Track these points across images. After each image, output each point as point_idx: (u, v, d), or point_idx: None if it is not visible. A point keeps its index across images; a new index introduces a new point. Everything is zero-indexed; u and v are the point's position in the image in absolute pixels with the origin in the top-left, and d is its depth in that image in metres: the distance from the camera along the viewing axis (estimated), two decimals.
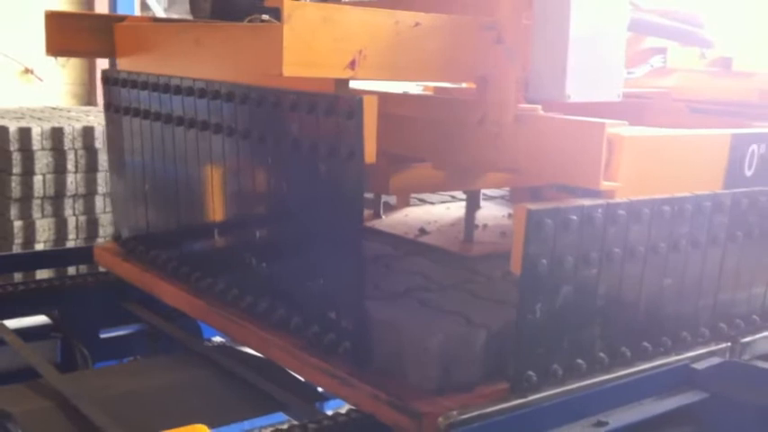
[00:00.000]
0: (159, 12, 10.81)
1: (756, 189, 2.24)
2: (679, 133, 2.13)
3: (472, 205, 2.66)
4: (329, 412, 2.07)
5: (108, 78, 2.87)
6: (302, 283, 2.15)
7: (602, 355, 2.01)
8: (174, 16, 11.80)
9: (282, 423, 2.14)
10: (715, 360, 2.17)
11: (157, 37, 2.65)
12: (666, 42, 2.46)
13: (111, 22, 2.83)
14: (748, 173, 2.22)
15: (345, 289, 2.03)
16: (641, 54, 2.39)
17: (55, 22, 2.77)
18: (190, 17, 3.06)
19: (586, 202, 1.87)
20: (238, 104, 2.23)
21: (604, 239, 1.91)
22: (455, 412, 1.78)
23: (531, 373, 1.87)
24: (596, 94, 1.96)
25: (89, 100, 8.87)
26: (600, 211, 1.88)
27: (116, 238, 3.06)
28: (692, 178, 2.09)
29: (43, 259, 3.42)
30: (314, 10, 1.76)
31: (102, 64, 8.62)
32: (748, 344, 2.33)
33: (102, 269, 3.22)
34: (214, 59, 2.29)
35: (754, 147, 2.21)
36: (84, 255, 3.28)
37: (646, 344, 2.11)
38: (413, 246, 2.64)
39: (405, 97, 2.53)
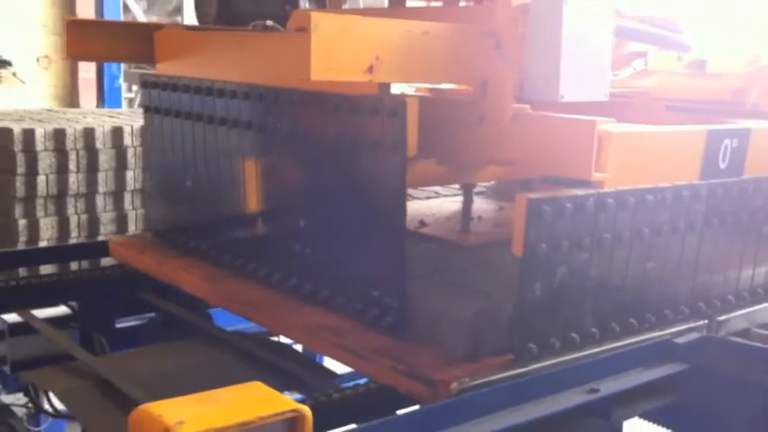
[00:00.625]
0: (139, 14, 10.90)
1: (730, 180, 2.42)
2: (660, 129, 2.33)
3: (468, 199, 2.85)
4: None
5: (147, 82, 3.03)
6: (347, 266, 2.33)
7: (593, 329, 2.20)
8: (154, 18, 11.89)
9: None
10: (694, 335, 2.32)
11: (201, 44, 2.81)
12: (647, 47, 2.66)
13: (133, 29, 3.00)
14: (722, 165, 2.40)
15: (389, 269, 2.22)
16: (624, 57, 2.56)
17: (75, 28, 2.92)
18: (168, 20, 3.21)
19: (579, 191, 2.05)
20: (284, 106, 2.41)
21: (595, 225, 2.09)
22: (466, 379, 1.97)
23: (531, 345, 2.06)
24: (586, 94, 2.14)
25: (71, 102, 8.94)
26: (591, 199, 2.07)
27: (151, 230, 3.20)
28: (673, 170, 2.27)
29: (61, 254, 3.57)
30: (336, 21, 1.95)
31: (84, 67, 8.73)
32: (723, 322, 2.50)
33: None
34: (256, 65, 2.45)
35: (728, 141, 2.40)
36: (100, 249, 3.44)
37: (632, 320, 2.29)
38: (415, 236, 2.83)
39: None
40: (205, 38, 2.80)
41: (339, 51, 1.96)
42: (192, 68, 2.81)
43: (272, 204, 2.63)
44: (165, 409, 1.64)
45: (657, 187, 2.22)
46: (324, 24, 1.92)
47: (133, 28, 3.07)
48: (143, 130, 3.22)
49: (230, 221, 2.81)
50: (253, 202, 2.66)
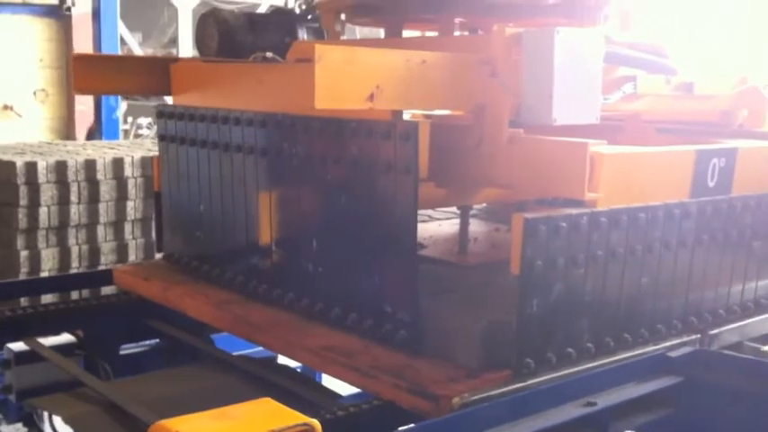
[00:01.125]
0: (135, 46, 11.03)
1: (718, 198, 2.50)
2: (650, 150, 2.42)
3: (465, 221, 2.92)
4: None
5: (164, 113, 3.12)
6: (359, 284, 2.42)
7: (589, 344, 2.26)
8: (150, 51, 12.02)
9: None
10: (687, 349, 2.38)
11: (215, 75, 2.91)
12: (636, 71, 2.74)
13: (137, 62, 3.09)
14: (711, 183, 2.48)
15: (402, 285, 2.31)
16: (615, 82, 2.64)
17: (82, 63, 3.01)
18: (164, 51, 3.29)
19: (573, 210, 2.13)
20: (300, 132, 2.51)
21: (589, 243, 2.17)
22: (467, 394, 2.03)
23: (529, 360, 2.13)
24: (578, 118, 2.22)
25: (68, 134, 8.99)
26: (585, 218, 2.15)
27: (167, 257, 3.28)
28: (663, 189, 2.35)
29: (65, 283, 3.62)
30: (339, 52, 2.04)
31: (81, 100, 8.81)
32: (716, 335, 2.57)
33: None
34: (267, 94, 2.56)
35: (716, 160, 2.48)
36: (103, 277, 3.49)
37: (626, 335, 2.35)
38: None
39: None
40: (220, 70, 2.89)
41: (342, 81, 2.05)
42: (207, 99, 2.91)
43: (286, 227, 2.70)
44: (181, 424, 1.71)
45: (649, 206, 2.30)
46: (327, 55, 2.01)
47: (140, 61, 3.16)
48: (158, 158, 3.28)
49: (243, 245, 2.88)
50: (267, 226, 2.74)
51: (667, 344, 2.44)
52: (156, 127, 3.92)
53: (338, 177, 2.43)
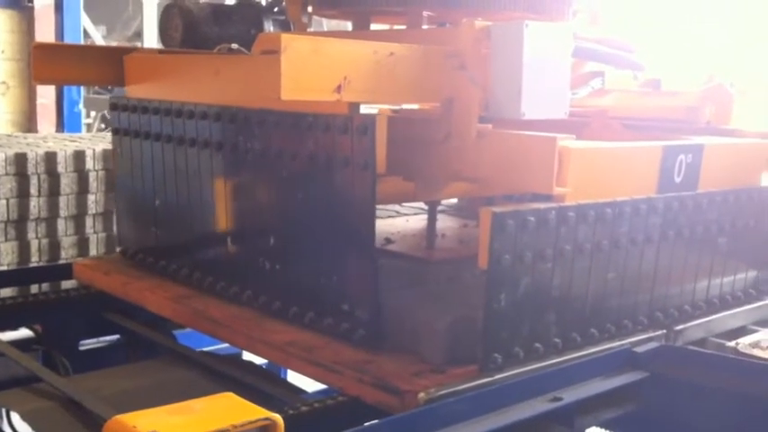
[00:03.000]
0: (99, 39, 10.87)
1: (685, 194, 2.51)
2: (618, 146, 2.42)
3: (433, 216, 2.91)
4: None
5: (117, 105, 3.05)
6: (317, 281, 2.38)
7: (556, 339, 2.26)
8: (114, 44, 11.87)
9: None
10: (653, 345, 2.39)
11: (172, 67, 2.85)
12: (604, 66, 2.75)
13: (101, 52, 3.03)
14: (678, 179, 2.49)
15: (360, 283, 2.27)
16: (583, 77, 2.65)
17: (42, 52, 2.94)
18: (128, 44, 3.25)
19: (542, 205, 2.12)
20: (255, 126, 2.46)
21: (557, 238, 2.17)
22: (432, 389, 2.02)
23: (496, 354, 2.12)
24: (547, 113, 2.21)
25: (29, 128, 8.86)
26: (553, 212, 2.14)
27: (122, 251, 3.22)
28: (630, 184, 2.35)
29: (24, 276, 3.55)
30: (305, 42, 2.00)
31: (42, 93, 8.69)
32: (681, 331, 2.58)
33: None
34: (228, 86, 2.51)
35: (683, 156, 2.49)
36: (63, 271, 3.44)
37: (593, 330, 2.35)
38: (382, 253, 2.87)
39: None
40: (176, 61, 2.84)
41: (308, 72, 2.01)
42: (162, 91, 2.85)
43: (242, 223, 2.66)
44: (139, 419, 1.67)
45: (616, 201, 2.29)
46: (294, 45, 1.97)
47: (101, 51, 3.10)
48: (112, 152, 3.22)
49: (200, 241, 2.84)
50: (223, 221, 2.70)
51: (633, 339, 2.44)
52: None
53: (295, 172, 2.39)
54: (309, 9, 3.01)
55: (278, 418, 1.70)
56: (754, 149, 2.78)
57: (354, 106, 2.21)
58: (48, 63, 2.92)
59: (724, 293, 2.80)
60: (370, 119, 2.15)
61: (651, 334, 2.50)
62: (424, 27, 2.77)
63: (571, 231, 2.20)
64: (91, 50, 3.07)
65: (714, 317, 2.73)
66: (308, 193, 2.37)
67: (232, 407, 1.75)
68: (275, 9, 3.28)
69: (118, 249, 3.29)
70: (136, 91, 3.00)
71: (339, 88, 2.05)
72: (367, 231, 2.24)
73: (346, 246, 2.29)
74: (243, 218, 2.65)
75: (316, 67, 2.01)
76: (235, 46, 3.00)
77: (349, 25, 3.11)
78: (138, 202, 3.09)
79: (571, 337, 2.31)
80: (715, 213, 2.63)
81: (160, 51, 3.04)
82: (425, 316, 2.26)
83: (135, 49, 3.06)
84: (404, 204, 3.55)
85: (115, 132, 3.13)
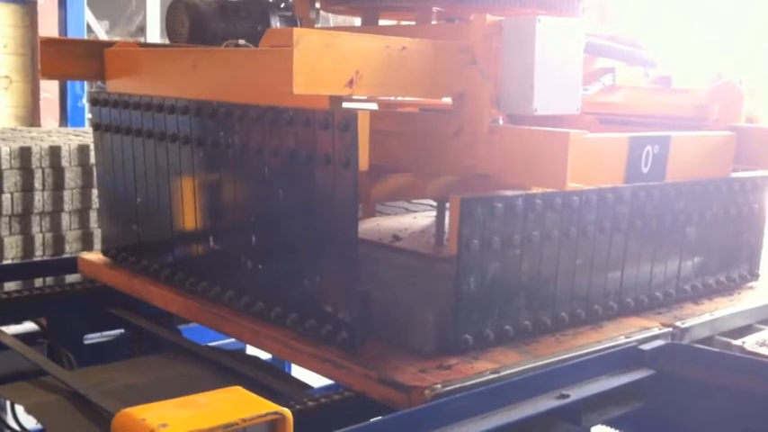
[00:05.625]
0: (102, 34, 10.86)
1: (651, 183, 2.54)
2: (585, 136, 2.39)
3: (441, 212, 2.90)
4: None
5: (97, 100, 3.00)
6: (299, 282, 2.33)
7: (526, 322, 2.32)
8: (117, 39, 11.85)
9: None
10: (659, 342, 2.38)
11: (152, 61, 2.81)
12: (615, 63, 2.74)
13: (102, 47, 3.00)
14: (645, 170, 2.50)
15: (343, 284, 2.23)
16: (593, 73, 2.65)
17: (50, 47, 2.93)
18: (131, 40, 3.23)
19: (509, 192, 2.18)
20: (236, 121, 2.41)
21: (525, 224, 2.22)
22: (439, 385, 2.02)
23: (467, 336, 2.18)
24: (559, 108, 2.22)
25: (32, 122, 8.86)
26: (520, 200, 2.19)
27: (105, 251, 3.18)
28: (598, 174, 2.37)
29: (29, 270, 3.54)
30: (317, 36, 2.00)
31: (46, 88, 8.68)
32: (687, 329, 2.58)
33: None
34: (212, 81, 2.47)
35: (649, 147, 2.50)
36: (68, 265, 3.44)
37: (563, 314, 2.41)
38: (390, 250, 2.86)
39: (386, 114, 2.77)
40: (156, 54, 2.81)
41: (321, 66, 2.00)
42: (143, 85, 2.81)
43: (223, 221, 2.60)
44: (147, 412, 1.66)
45: (583, 189, 2.33)
46: (306, 39, 1.96)
47: (106, 46, 3.07)
48: (94, 148, 3.18)
49: (181, 240, 2.79)
50: (204, 220, 2.66)
51: (640, 337, 2.44)
52: None
53: (276, 169, 2.33)
54: (317, 5, 3.00)
55: (287, 412, 1.70)
56: (721, 141, 2.79)
57: (336, 100, 2.18)
58: (55, 58, 2.90)
59: (695, 281, 2.83)
60: (352, 114, 2.07)
61: (657, 332, 2.50)
62: (433, 23, 2.77)
63: (539, 218, 2.25)
64: (98, 45, 3.04)
65: (721, 315, 2.72)
66: (290, 190, 2.31)
67: (241, 401, 1.74)
68: (282, 5, 3.27)
69: (101, 249, 3.22)
70: (116, 85, 2.95)
71: (351, 82, 2.04)
72: (349, 231, 2.17)
73: (329, 245, 2.24)
74: (224, 216, 2.59)
75: (328, 61, 2.01)
76: (242, 42, 2.99)
77: (357, 21, 3.10)
78: (120, 200, 3.03)
79: (541, 320, 2.37)
80: (683, 203, 2.67)
81: (140, 45, 3.01)
82: (414, 307, 2.28)
83: (144, 45, 3.04)
84: (412, 201, 3.55)
85: (96, 128, 3.07)
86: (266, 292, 2.46)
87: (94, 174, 4.98)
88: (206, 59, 2.51)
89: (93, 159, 5.02)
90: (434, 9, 2.71)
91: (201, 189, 2.64)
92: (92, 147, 5.00)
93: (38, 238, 4.93)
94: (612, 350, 2.32)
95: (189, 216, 2.71)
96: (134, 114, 2.82)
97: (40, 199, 4.90)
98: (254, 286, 2.49)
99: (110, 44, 3.01)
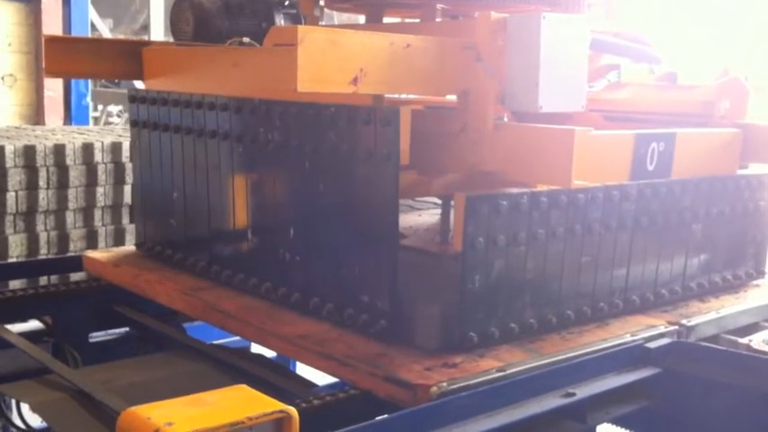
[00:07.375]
0: (106, 32, 10.88)
1: (657, 181, 2.53)
2: (590, 133, 2.38)
3: (447, 210, 2.89)
4: None
5: (135, 97, 3.05)
6: (337, 273, 2.37)
7: (532, 320, 2.31)
8: (121, 37, 11.87)
9: None
10: (665, 341, 2.39)
11: (190, 59, 2.84)
12: (620, 59, 2.73)
13: (115, 45, 3.02)
14: (650, 167, 2.50)
15: (381, 275, 2.27)
16: (599, 70, 2.64)
17: (54, 46, 2.93)
18: (135, 38, 3.23)
19: (514, 190, 2.18)
20: (276, 117, 2.46)
21: (530, 222, 2.21)
22: (444, 384, 2.02)
23: (472, 334, 2.18)
24: (564, 105, 2.21)
25: (37, 120, 8.88)
26: (525, 198, 2.19)
27: (138, 245, 3.21)
28: (603, 171, 2.36)
29: (34, 268, 3.55)
30: (322, 34, 2.00)
31: (51, 85, 8.69)
32: (693, 327, 2.57)
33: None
34: (245, 78, 2.50)
35: (655, 144, 2.49)
36: (73, 263, 3.43)
37: (569, 312, 2.40)
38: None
39: None
40: (194, 53, 2.82)
41: (325, 63, 2.00)
42: (182, 83, 2.84)
43: (262, 215, 2.66)
44: (153, 411, 1.66)
45: (588, 187, 2.33)
46: (310, 37, 1.96)
47: (114, 45, 3.08)
48: (131, 145, 3.21)
49: (218, 233, 2.83)
50: (242, 213, 2.69)
51: (646, 335, 2.43)
52: (126, 114, 3.83)
53: (316, 164, 2.38)
54: (321, 2, 3.00)
55: (293, 410, 1.70)
56: (728, 138, 2.78)
57: (378, 97, 2.22)
58: (59, 56, 2.91)
59: (701, 279, 2.82)
60: (394, 110, 2.14)
61: (663, 330, 2.49)
62: (438, 20, 2.76)
63: (544, 216, 2.25)
64: (103, 43, 3.05)
65: (727, 313, 2.72)
66: (330, 184, 2.36)
67: (246, 399, 1.74)
68: (286, 3, 3.27)
69: (135, 243, 3.27)
70: (154, 84, 2.99)
71: (355, 80, 2.04)
72: (390, 224, 2.23)
73: (368, 238, 2.28)
74: (262, 210, 2.64)
75: (332, 58, 2.01)
76: (246, 40, 2.99)
77: (361, 18, 3.10)
78: (157, 195, 3.08)
79: (547, 318, 2.36)
80: (688, 200, 2.66)
81: (177, 44, 3.03)
82: (420, 304, 2.28)
83: (148, 43, 3.05)
84: (417, 199, 3.54)
85: (134, 125, 3.12)
86: (303, 284, 2.49)
87: (97, 173, 5.01)
88: (245, 58, 2.54)
89: (97, 158, 5.03)
90: (439, 6, 2.71)
91: (240, 183, 2.67)
92: (96, 145, 5.02)
93: (42, 237, 4.93)
94: (618, 348, 2.32)
95: (227, 210, 2.74)
96: (173, 111, 2.87)
97: (45, 197, 4.91)
98: (292, 278, 2.53)
99: (112, 42, 3.01)
